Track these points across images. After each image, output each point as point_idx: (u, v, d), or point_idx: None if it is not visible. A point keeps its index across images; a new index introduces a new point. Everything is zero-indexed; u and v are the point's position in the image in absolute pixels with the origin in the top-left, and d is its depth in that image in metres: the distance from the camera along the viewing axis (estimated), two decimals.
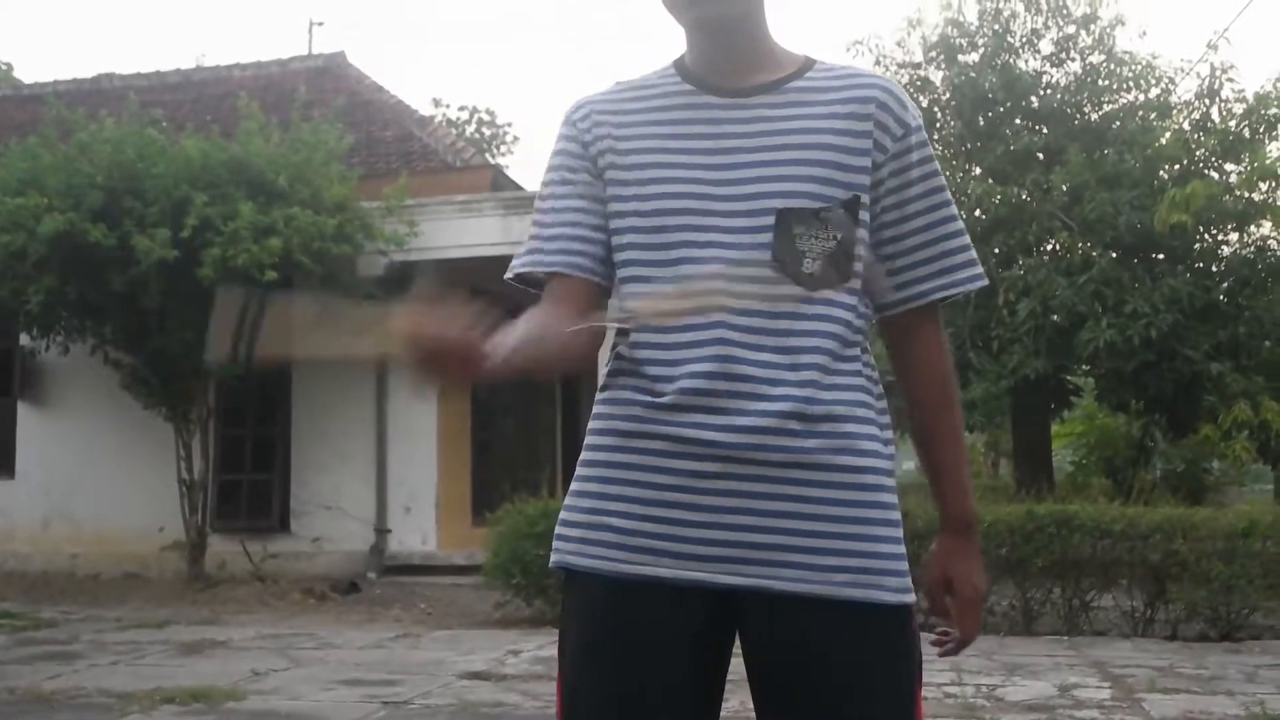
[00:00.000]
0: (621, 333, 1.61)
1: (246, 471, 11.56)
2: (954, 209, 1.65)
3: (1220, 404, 12.34)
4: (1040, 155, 14.27)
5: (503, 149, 29.82)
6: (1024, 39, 14.95)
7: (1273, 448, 13.17)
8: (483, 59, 66.35)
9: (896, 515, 1.57)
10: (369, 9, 64.12)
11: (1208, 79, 13.69)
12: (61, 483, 11.54)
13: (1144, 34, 29.81)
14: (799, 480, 1.52)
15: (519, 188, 12.69)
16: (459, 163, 12.55)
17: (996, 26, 14.83)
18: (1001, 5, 14.91)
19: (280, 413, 11.50)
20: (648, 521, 1.55)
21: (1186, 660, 6.59)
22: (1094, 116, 14.74)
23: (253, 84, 12.69)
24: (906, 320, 1.64)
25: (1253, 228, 13.39)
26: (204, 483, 10.53)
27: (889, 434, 1.59)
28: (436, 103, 28.99)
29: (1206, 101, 13.76)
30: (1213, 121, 13.62)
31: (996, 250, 12.80)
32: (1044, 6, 14.89)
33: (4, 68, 23.26)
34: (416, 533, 11.13)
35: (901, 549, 1.56)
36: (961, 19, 15.07)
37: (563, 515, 1.64)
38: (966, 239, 1.66)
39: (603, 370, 1.65)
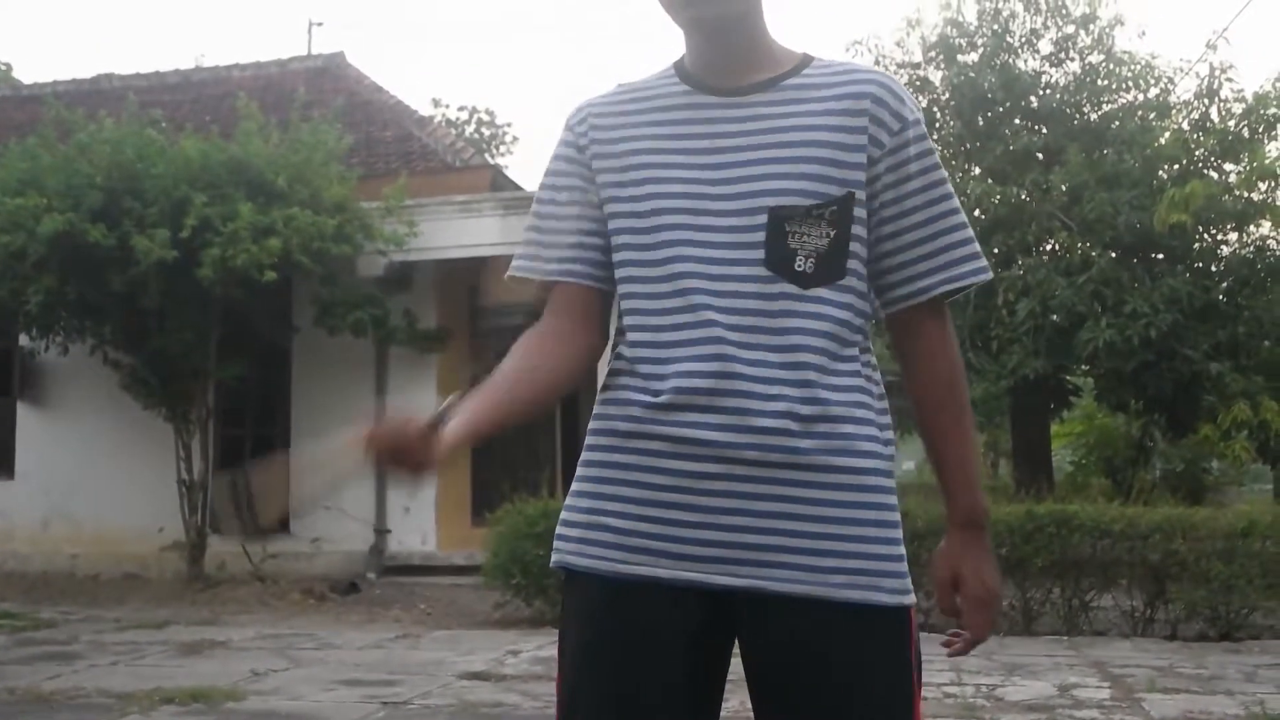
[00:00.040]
0: (621, 333, 1.62)
1: None
2: (955, 203, 1.63)
3: (1220, 404, 12.34)
4: (1039, 155, 14.28)
5: (502, 149, 29.83)
6: (1023, 39, 14.96)
7: (1272, 447, 13.18)
8: (483, 59, 66.40)
9: (895, 516, 1.57)
10: (369, 9, 64.17)
11: (1207, 79, 13.71)
12: (61, 483, 11.54)
13: (1143, 34, 29.86)
14: (796, 481, 1.52)
15: (518, 188, 12.69)
16: (458, 163, 12.55)
17: (996, 26, 14.84)
18: (1001, 5, 14.92)
19: (280, 413, 11.49)
20: (644, 522, 1.55)
21: (1186, 660, 6.59)
22: (1093, 116, 14.75)
23: (252, 84, 12.69)
24: (909, 316, 1.63)
25: (1252, 227, 13.41)
26: (204, 483, 10.54)
27: (889, 434, 1.59)
28: (436, 103, 28.99)
29: (1205, 101, 13.77)
30: (1212, 121, 13.63)
31: (996, 250, 12.81)
32: (1043, 6, 14.90)
33: (3, 68, 23.24)
34: (416, 533, 11.14)
35: (900, 550, 1.56)
36: (961, 19, 15.09)
37: (563, 515, 1.64)
38: (969, 232, 1.64)
39: (602, 371, 1.66)
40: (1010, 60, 14.69)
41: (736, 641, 1.58)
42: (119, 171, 9.60)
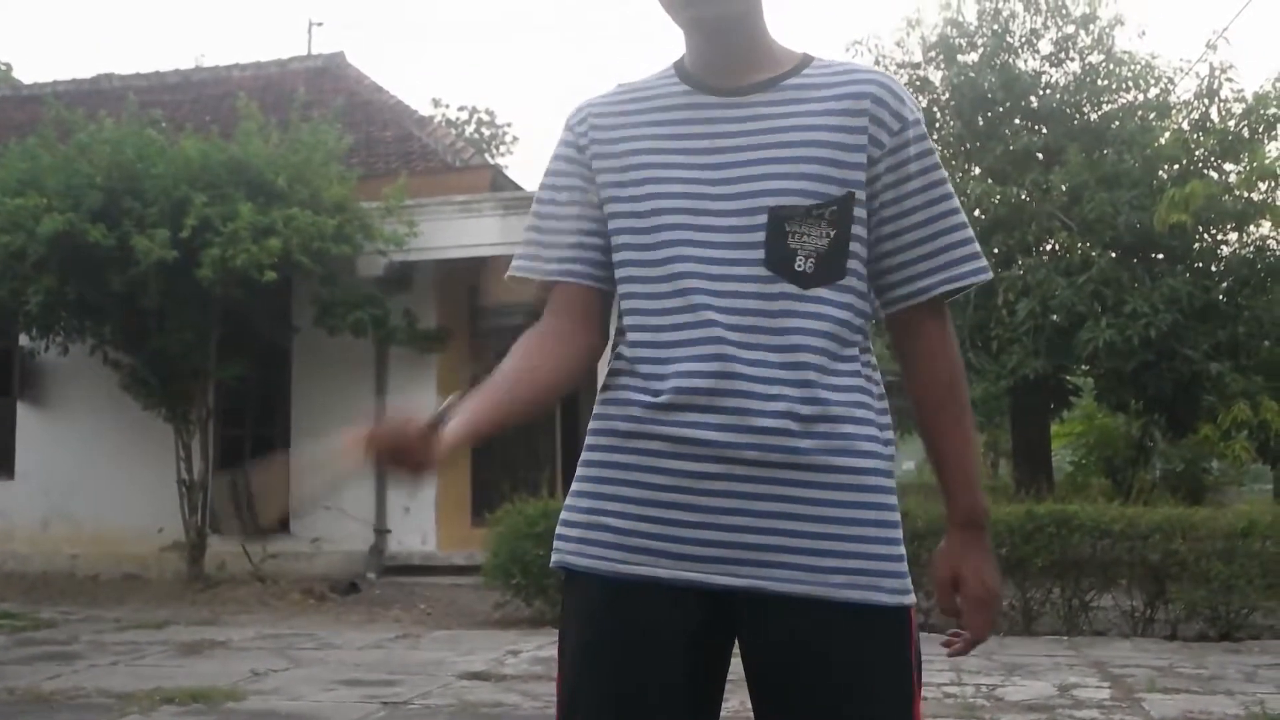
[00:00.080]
0: (621, 333, 1.62)
1: None
2: (955, 203, 1.63)
3: (1220, 404, 12.34)
4: (1039, 155, 14.28)
5: (502, 149, 29.83)
6: (1023, 39, 14.96)
7: (1272, 447, 13.18)
8: (483, 59, 66.40)
9: (895, 516, 1.56)
10: (369, 9, 64.18)
11: (1207, 79, 13.71)
12: (61, 483, 11.54)
13: (1143, 34, 29.86)
14: (796, 481, 1.52)
15: (518, 188, 12.69)
16: (458, 163, 12.56)
17: (995, 26, 14.84)
18: (1000, 5, 14.93)
19: (280, 413, 11.50)
20: (644, 522, 1.55)
21: (1186, 660, 6.59)
22: (1093, 116, 14.75)
23: (252, 84, 12.69)
24: (909, 316, 1.62)
25: (1252, 227, 13.41)
26: (204, 483, 10.54)
27: (889, 434, 1.59)
28: (436, 103, 28.98)
29: (1205, 101, 13.77)
30: (1212, 121, 13.63)
31: (996, 250, 12.81)
32: (1043, 6, 14.90)
33: (3, 68, 23.24)
34: (416, 533, 11.14)
35: (900, 550, 1.56)
36: (961, 19, 15.09)
37: (563, 515, 1.64)
38: (969, 232, 1.63)
39: (602, 371, 1.66)
40: (1010, 60, 14.69)
41: (736, 641, 1.58)
42: (119, 171, 9.60)
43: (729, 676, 1.59)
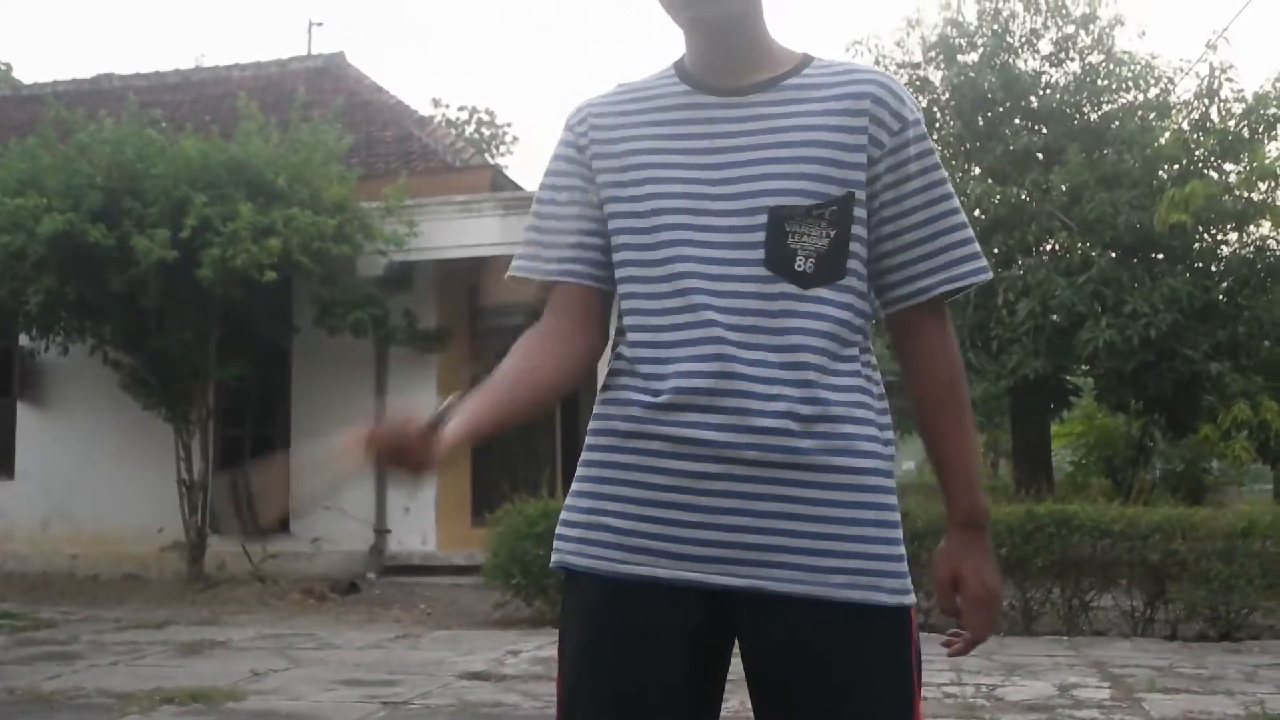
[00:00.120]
0: (621, 333, 1.62)
1: None
2: (955, 203, 1.63)
3: (1220, 404, 12.35)
4: (1039, 155, 14.28)
5: (502, 149, 29.83)
6: (1023, 39, 14.96)
7: (1272, 447, 13.18)
8: (483, 59, 66.41)
9: (895, 516, 1.56)
10: (369, 9, 64.17)
11: (1207, 79, 13.71)
12: (61, 483, 11.54)
13: (1143, 34, 29.84)
14: (796, 481, 1.52)
15: (518, 188, 12.69)
16: (458, 163, 12.56)
17: (995, 26, 14.84)
18: (1000, 5, 14.93)
19: (279, 413, 11.50)
20: (644, 522, 1.55)
21: (1186, 660, 6.59)
22: (1093, 116, 14.75)
23: (252, 84, 12.69)
24: (909, 316, 1.62)
25: (1252, 227, 13.41)
26: (204, 483, 10.54)
27: (889, 434, 1.59)
28: (436, 103, 28.98)
29: (1205, 101, 13.77)
30: (1212, 121, 13.63)
31: (996, 250, 12.81)
32: (1043, 6, 14.90)
33: (3, 68, 23.24)
34: (416, 533, 11.14)
35: (900, 550, 1.56)
36: (960, 19, 15.09)
37: (563, 515, 1.64)
38: (969, 232, 1.63)
39: (602, 371, 1.66)
40: (1010, 60, 14.69)
41: (736, 641, 1.58)
42: (119, 171, 9.60)
43: (729, 676, 1.59)
